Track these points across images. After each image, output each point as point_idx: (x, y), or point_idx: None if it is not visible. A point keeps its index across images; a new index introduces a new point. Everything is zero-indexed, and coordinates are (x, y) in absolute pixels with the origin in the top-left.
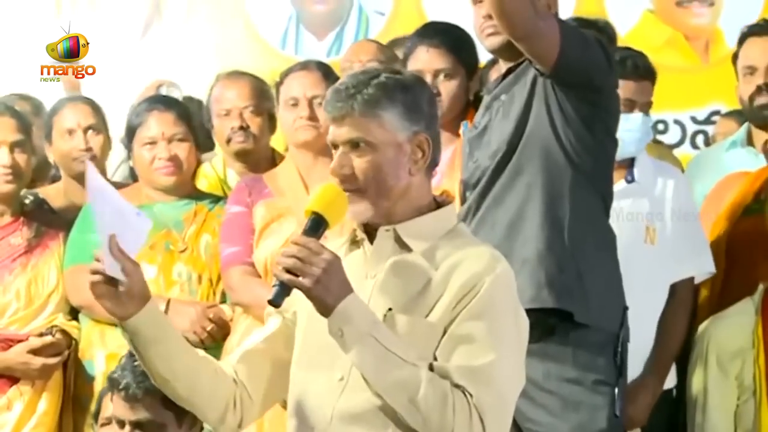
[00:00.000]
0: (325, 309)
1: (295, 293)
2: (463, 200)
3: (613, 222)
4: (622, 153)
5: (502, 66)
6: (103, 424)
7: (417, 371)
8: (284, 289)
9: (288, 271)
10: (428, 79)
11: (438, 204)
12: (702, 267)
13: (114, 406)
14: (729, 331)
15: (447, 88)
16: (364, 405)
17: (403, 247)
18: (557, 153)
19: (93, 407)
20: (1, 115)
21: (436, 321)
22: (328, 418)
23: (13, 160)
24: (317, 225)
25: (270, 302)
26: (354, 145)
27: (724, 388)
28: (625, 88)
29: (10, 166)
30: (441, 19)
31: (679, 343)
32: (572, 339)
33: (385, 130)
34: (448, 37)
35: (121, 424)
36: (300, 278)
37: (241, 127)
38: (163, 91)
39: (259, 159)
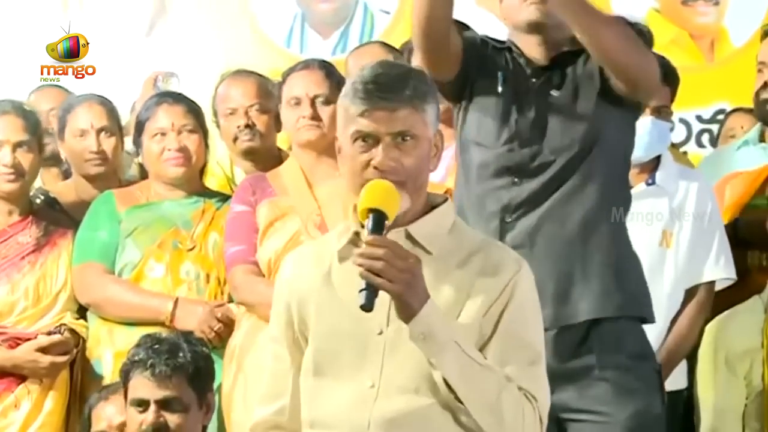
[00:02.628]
0: (409, 314)
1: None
2: (499, 170)
3: (630, 224)
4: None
5: (528, 45)
6: None
7: (495, 376)
8: (374, 294)
9: (373, 273)
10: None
11: (429, 199)
12: (723, 272)
13: (137, 389)
14: (737, 330)
15: None
16: (403, 409)
17: (416, 245)
18: (621, 157)
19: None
20: (6, 114)
21: (469, 322)
22: (364, 427)
23: (15, 160)
24: (380, 222)
25: (362, 308)
26: (401, 137)
27: (732, 387)
28: None
29: (11, 165)
30: None
31: (689, 345)
32: (622, 328)
33: (426, 125)
34: None
35: (145, 405)
36: (392, 282)
37: (248, 126)
38: (160, 81)
39: (266, 157)
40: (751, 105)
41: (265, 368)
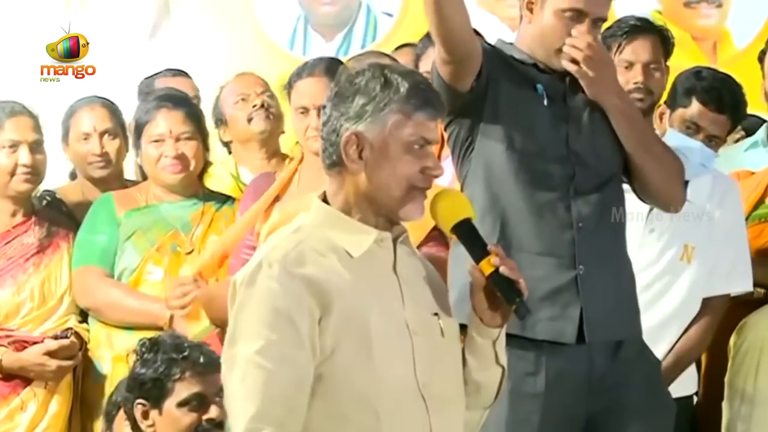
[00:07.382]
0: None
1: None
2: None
3: (655, 238)
4: None
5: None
6: None
7: None
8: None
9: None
10: None
11: None
12: (739, 286)
13: (190, 386)
14: None
15: None
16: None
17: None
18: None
19: (100, 425)
20: (20, 114)
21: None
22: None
23: (33, 160)
24: (474, 228)
25: (523, 316)
26: (432, 146)
27: None
28: (698, 112)
29: (30, 165)
30: None
31: (696, 355)
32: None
33: None
34: None
35: (199, 401)
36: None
37: (263, 106)
38: None
39: (276, 145)
40: (753, 108)
41: (252, 380)
